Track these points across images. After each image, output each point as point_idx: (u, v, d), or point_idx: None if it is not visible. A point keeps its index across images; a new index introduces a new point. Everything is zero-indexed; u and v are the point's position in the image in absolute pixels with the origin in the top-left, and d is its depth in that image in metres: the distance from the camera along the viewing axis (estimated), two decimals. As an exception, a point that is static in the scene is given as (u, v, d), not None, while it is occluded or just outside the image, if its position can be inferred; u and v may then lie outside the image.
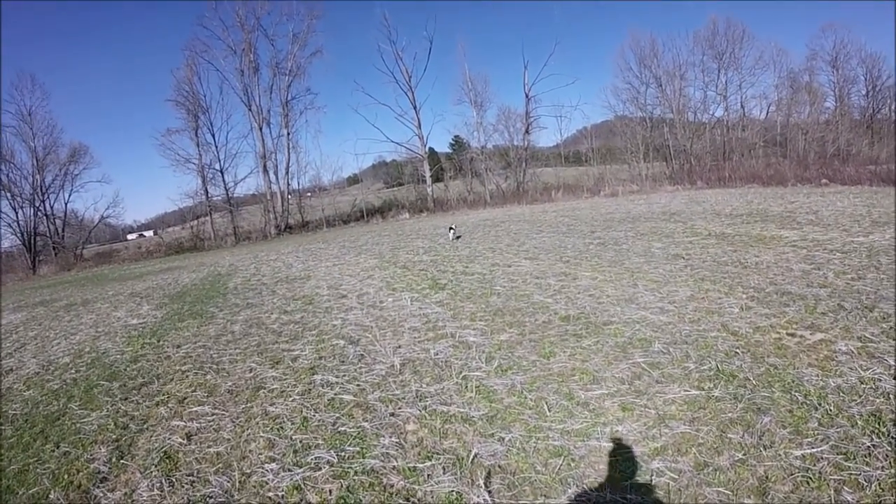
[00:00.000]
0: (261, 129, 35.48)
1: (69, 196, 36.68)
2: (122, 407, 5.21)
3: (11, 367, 7.56)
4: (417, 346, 5.69)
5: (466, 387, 4.47)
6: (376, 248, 16.65)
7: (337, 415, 4.22)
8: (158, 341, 7.71)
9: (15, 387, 6.53)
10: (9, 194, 33.69)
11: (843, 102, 34.19)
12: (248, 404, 4.74)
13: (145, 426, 4.67)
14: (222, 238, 34.91)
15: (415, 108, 37.33)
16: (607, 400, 4.02)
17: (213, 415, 4.64)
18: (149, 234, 55.43)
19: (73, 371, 6.82)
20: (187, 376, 5.82)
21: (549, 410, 3.92)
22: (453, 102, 53.40)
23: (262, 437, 4.03)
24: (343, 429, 3.98)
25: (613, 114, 39.23)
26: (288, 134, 36.29)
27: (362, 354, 5.63)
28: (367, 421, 4.06)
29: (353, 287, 9.73)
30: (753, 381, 4.01)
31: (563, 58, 49.87)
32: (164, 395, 5.38)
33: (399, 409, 4.22)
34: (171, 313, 9.89)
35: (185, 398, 5.18)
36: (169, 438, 4.30)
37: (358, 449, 3.65)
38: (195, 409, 4.85)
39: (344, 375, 5.08)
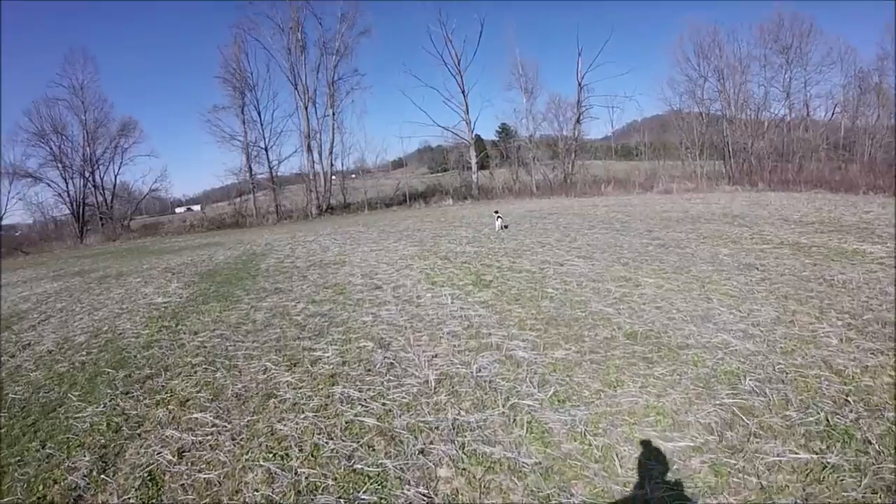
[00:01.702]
0: (306, 108, 35.14)
1: (119, 169, 37.39)
2: (121, 403, 4.61)
3: (29, 342, 7.22)
4: (457, 358, 4.85)
5: (515, 420, 3.62)
6: (417, 234, 15.87)
7: (355, 444, 3.44)
8: (177, 325, 7.15)
9: (25, 365, 6.16)
10: (60, 165, 34.47)
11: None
12: (255, 416, 4.01)
13: (138, 431, 4.03)
14: (264, 216, 34.85)
15: (463, 92, 36.33)
16: (694, 456, 3.12)
17: (213, 426, 3.93)
18: (196, 208, 56.45)
19: (84, 353, 6.34)
20: (196, 372, 5.17)
21: (621, 467, 3.03)
22: (503, 88, 51.78)
23: (262, 466, 3.29)
24: (360, 466, 3.19)
25: (669, 107, 37.17)
26: (333, 114, 35.87)
27: (392, 363, 4.83)
28: (390, 458, 3.26)
29: (389, 277, 8.97)
30: (876, 446, 3.07)
31: (618, 46, 47.79)
32: (167, 392, 4.75)
33: (431, 443, 3.40)
34: (197, 293, 9.37)
35: (187, 400, 4.52)
36: (159, 453, 3.62)
37: (375, 500, 2.85)
38: (196, 415, 4.16)
39: (368, 389, 4.29)
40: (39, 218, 37.69)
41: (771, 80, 32.35)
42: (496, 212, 15.65)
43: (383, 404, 3.99)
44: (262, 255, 14.14)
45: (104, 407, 4.56)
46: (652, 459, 3.09)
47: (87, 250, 27.45)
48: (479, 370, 4.51)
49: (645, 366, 4.43)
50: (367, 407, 3.95)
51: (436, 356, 4.95)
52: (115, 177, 37.40)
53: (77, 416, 4.46)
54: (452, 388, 4.21)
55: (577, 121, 36.39)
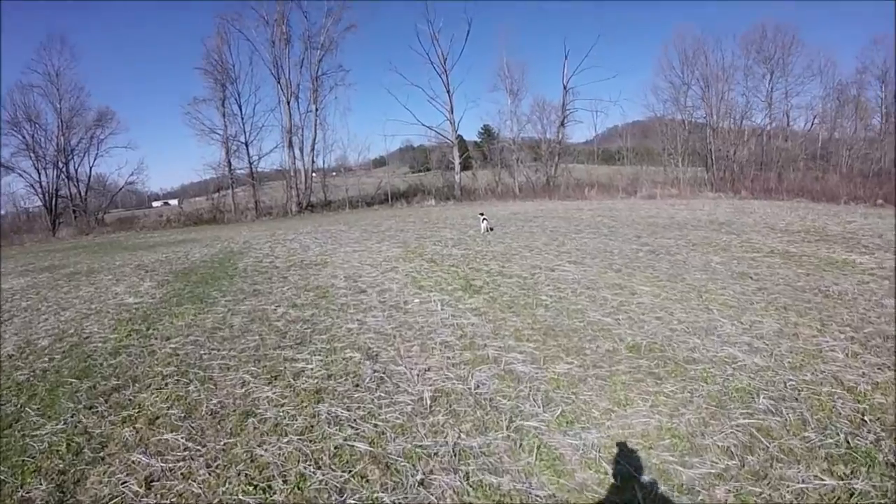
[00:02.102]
0: (289, 103, 34.40)
1: (94, 160, 36.06)
2: (84, 419, 4.18)
3: None
4: (452, 372, 4.53)
5: (522, 445, 3.31)
6: (401, 235, 15.50)
7: (346, 475, 3.08)
8: (148, 329, 6.70)
9: (-20, 372, 5.60)
10: (33, 155, 33.24)
11: (890, 120, 31.72)
12: (232, 439, 3.63)
13: (102, 454, 3.61)
14: (242, 212, 34.03)
15: (448, 91, 35.97)
16: (717, 484, 2.87)
17: (185, 450, 3.54)
18: (173, 202, 55.35)
19: (46, 359, 5.86)
20: (167, 384, 4.75)
21: (644, 500, 2.74)
22: (488, 89, 51.54)
23: (241, 501, 2.91)
24: (353, 501, 2.84)
25: (652, 113, 37.31)
26: (316, 110, 35.16)
27: (382, 377, 4.48)
28: (386, 490, 2.92)
29: (373, 280, 8.61)
30: (900, 470, 2.81)
31: (605, 50, 47.79)
32: (134, 407, 4.33)
33: (431, 473, 3.06)
34: (170, 294, 8.89)
35: (157, 417, 4.11)
36: (124, 482, 3.23)
37: (372, 544, 2.52)
38: (166, 436, 3.76)
39: (358, 408, 3.94)
40: (12, 209, 36.45)
41: (753, 89, 32.78)
42: (481, 214, 15.36)
43: (375, 426, 3.65)
44: (239, 254, 13.63)
45: (65, 424, 4.14)
46: (675, 490, 2.81)
47: (58, 244, 26.50)
48: (478, 386, 4.19)
49: (653, 382, 4.17)
50: (357, 429, 3.60)
51: (429, 369, 4.61)
52: (91, 168, 36.11)
53: (35, 433, 4.03)
54: (450, 406, 3.89)
55: (562, 124, 36.37)
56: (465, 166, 38.45)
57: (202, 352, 5.55)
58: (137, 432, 3.90)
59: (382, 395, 4.13)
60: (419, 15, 46.85)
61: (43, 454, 3.70)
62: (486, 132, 44.87)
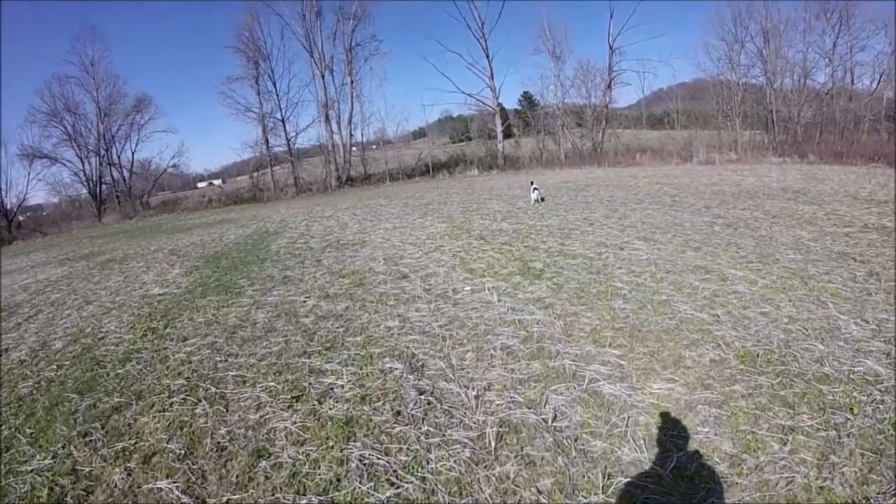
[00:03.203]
0: (323, 76, 33.50)
1: (136, 146, 36.63)
2: (75, 452, 3.48)
3: (7, 347, 6.21)
4: (519, 393, 3.52)
5: (633, 522, 2.28)
6: (444, 208, 14.46)
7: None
8: (165, 327, 5.96)
9: (-13, 382, 5.02)
10: (75, 144, 33.81)
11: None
12: (237, 495, 2.75)
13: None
14: (282, 189, 33.68)
15: (487, 56, 34.29)
16: None
17: (174, 510, 2.67)
18: (218, 182, 55.82)
19: (55, 365, 5.28)
20: (172, 403, 3.94)
21: None
22: (529, 53, 49.24)
23: None
24: None
25: (703, 73, 34.59)
26: (352, 82, 34.14)
27: (429, 401, 3.50)
28: None
29: (416, 263, 7.64)
30: None
31: (651, 6, 44.54)
32: (132, 436, 3.57)
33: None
34: (196, 282, 8.18)
35: (154, 454, 3.31)
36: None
37: None
38: (160, 483, 2.95)
39: (399, 451, 2.99)
40: (59, 198, 37.36)
41: (812, 45, 29.77)
42: (532, 182, 14.12)
43: (423, 480, 2.69)
44: (274, 234, 12.91)
45: (54, 458, 3.42)
46: None
47: (103, 229, 26.83)
48: (556, 416, 3.18)
49: (784, 412, 3.09)
50: (398, 486, 2.65)
51: (489, 388, 3.61)
52: (133, 154, 36.62)
53: (21, 468, 3.35)
54: (521, 449, 2.89)
55: (608, 86, 34.20)
56: (507, 134, 36.94)
57: (218, 358, 4.72)
58: (129, 474, 3.11)
59: (431, 429, 3.16)
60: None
61: (23, 499, 2.96)
62: (527, 99, 43.02)
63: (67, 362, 5.28)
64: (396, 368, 3.99)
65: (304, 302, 6.11)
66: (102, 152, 34.52)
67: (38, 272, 12.62)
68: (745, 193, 12.63)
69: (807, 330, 4.25)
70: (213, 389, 4.08)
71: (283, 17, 33.44)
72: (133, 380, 4.57)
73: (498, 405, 3.36)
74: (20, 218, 34.64)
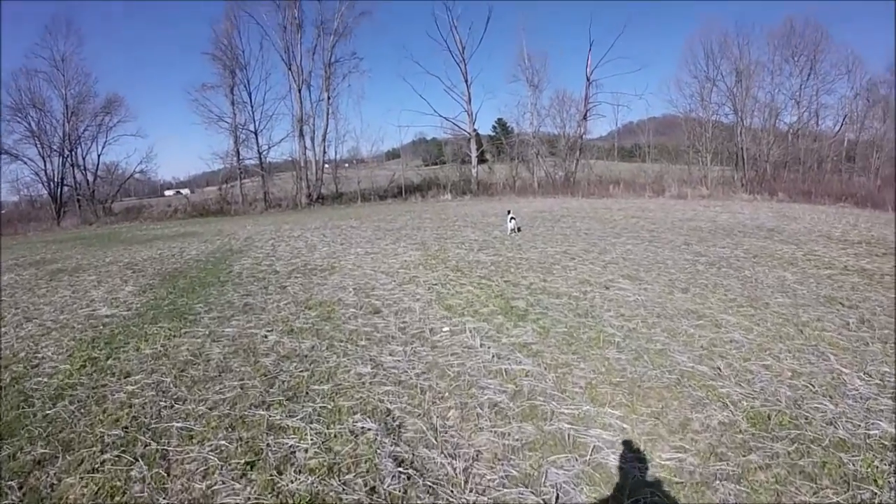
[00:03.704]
0: (300, 90, 32.89)
1: (102, 148, 34.96)
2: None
3: None
4: (513, 464, 3.04)
5: None
6: (418, 234, 13.99)
7: None
8: (108, 358, 5.30)
9: None
10: (38, 142, 32.16)
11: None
12: None
13: None
14: (251, 203, 32.70)
15: (466, 81, 34.37)
16: None
17: None
18: (186, 191, 54.36)
19: (-25, 400, 4.48)
20: (104, 463, 3.33)
21: None
22: (507, 80, 49.55)
23: None
24: None
25: (675, 108, 35.37)
26: (328, 98, 33.61)
27: (409, 474, 2.99)
28: None
29: (389, 295, 7.13)
30: None
31: (629, 42, 45.57)
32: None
33: None
34: (149, 304, 7.50)
35: (67, 534, 2.68)
36: None
37: None
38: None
39: (373, 547, 2.47)
40: (17, 198, 35.54)
41: (779, 86, 30.89)
42: (509, 212, 13.80)
43: None
44: (238, 253, 12.21)
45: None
46: None
47: (61, 234, 25.50)
48: (558, 498, 2.71)
49: (807, 487, 2.77)
50: None
51: (477, 457, 3.13)
52: (98, 156, 34.98)
53: None
54: (521, 548, 2.41)
55: (584, 117, 34.59)
56: (481, 160, 36.90)
57: (163, 403, 4.12)
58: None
59: (412, 516, 2.65)
60: (437, 2, 45.41)
61: None
62: (502, 126, 43.29)
63: (-9, 396, 4.60)
64: (370, 429, 3.46)
65: (266, 337, 5.52)
66: (66, 152, 32.92)
67: (-18, 278, 11.69)
68: (721, 230, 12.59)
69: (813, 386, 3.97)
70: (154, 445, 3.49)
71: (264, 27, 32.87)
72: (63, 424, 3.92)
73: (490, 481, 2.88)
74: (-24, 214, 32.85)
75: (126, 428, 3.78)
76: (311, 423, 3.59)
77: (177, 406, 4.04)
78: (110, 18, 68.40)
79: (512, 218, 13.04)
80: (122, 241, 17.75)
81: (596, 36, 47.65)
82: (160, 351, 5.37)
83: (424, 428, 3.46)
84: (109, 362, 5.18)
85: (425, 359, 4.69)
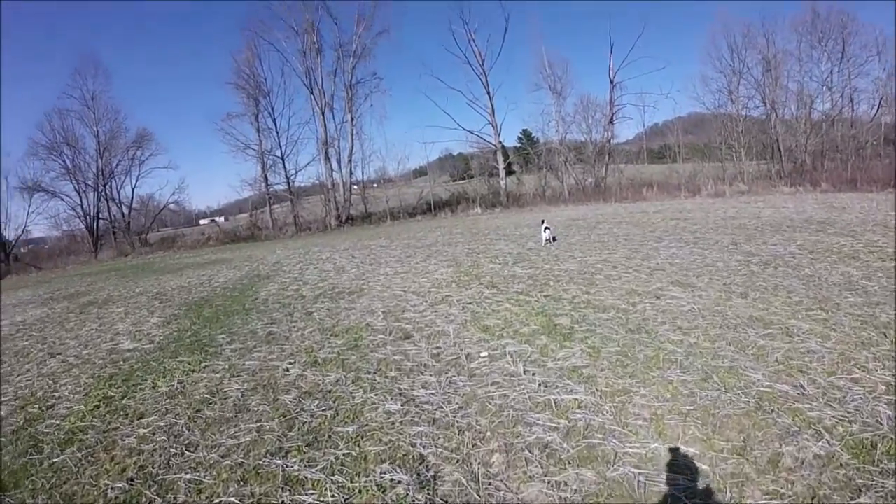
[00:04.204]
0: (323, 114, 33.10)
1: (136, 181, 36.16)
2: None
3: None
4: (575, 528, 2.50)
5: None
6: (449, 250, 13.52)
7: None
8: (123, 397, 4.98)
9: None
10: (74, 179, 33.31)
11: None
12: None
13: None
14: (281, 228, 32.90)
15: (488, 93, 34.01)
16: None
17: None
18: (220, 219, 55.32)
19: (-20, 449, 4.18)
20: (98, 528, 2.90)
21: None
22: (529, 89, 48.90)
23: None
24: None
25: (703, 105, 34.22)
26: (352, 119, 33.72)
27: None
28: None
29: (421, 318, 6.65)
30: None
31: (651, 40, 44.42)
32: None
33: None
34: (172, 336, 7.22)
35: None
36: None
37: None
38: None
39: None
40: (55, 233, 36.69)
41: (809, 73, 29.47)
42: (543, 221, 13.20)
43: None
44: (265, 279, 11.93)
45: None
46: None
47: (97, 266, 26.08)
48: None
49: None
50: None
51: (529, 516, 2.60)
52: (133, 189, 36.07)
53: None
54: None
55: (610, 121, 33.75)
56: (508, 171, 36.39)
57: (174, 450, 3.70)
58: None
59: None
60: (454, 16, 45.51)
61: None
62: (527, 136, 42.78)
63: (3, 439, 4.32)
64: (399, 481, 2.95)
65: (287, 370, 5.08)
66: (101, 187, 34.02)
67: (18, 312, 11.86)
68: (768, 227, 11.78)
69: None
70: (160, 502, 3.06)
71: (284, 54, 33.36)
72: (68, 475, 3.58)
73: (547, 553, 2.34)
74: (21, 250, 33.93)
75: (132, 480, 3.38)
76: (333, 474, 3.11)
77: (188, 453, 3.62)
78: (134, 58, 70.53)
79: (546, 228, 12.45)
80: (154, 271, 17.81)
81: (616, 37, 46.19)
82: (177, 388, 5.00)
83: (464, 479, 2.93)
84: (125, 402, 4.84)
85: (462, 390, 4.17)
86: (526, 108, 76.90)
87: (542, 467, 2.98)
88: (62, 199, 33.66)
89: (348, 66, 33.12)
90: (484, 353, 4.91)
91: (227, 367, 5.45)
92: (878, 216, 12.01)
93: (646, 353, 4.51)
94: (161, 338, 7.26)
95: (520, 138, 44.85)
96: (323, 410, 4.02)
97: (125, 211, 35.52)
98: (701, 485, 2.71)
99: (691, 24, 63.13)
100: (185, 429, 4.06)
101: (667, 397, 3.68)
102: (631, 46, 38.01)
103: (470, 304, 7.05)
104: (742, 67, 30.49)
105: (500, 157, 34.23)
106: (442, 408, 3.86)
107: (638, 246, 10.69)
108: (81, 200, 33.61)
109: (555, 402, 3.74)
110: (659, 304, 6.06)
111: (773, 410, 3.39)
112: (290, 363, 5.28)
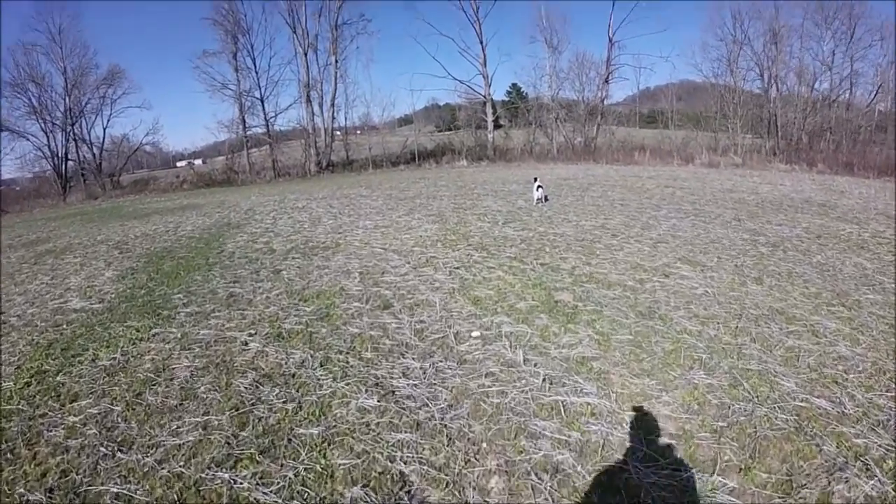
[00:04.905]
0: (306, 54, 31.26)
1: (108, 121, 33.87)
2: None
3: None
4: None
5: None
6: (434, 203, 12.74)
7: None
8: (59, 371, 4.26)
9: None
10: (40, 118, 31.19)
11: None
12: None
13: None
14: (258, 173, 31.51)
15: (481, 42, 32.44)
16: None
17: None
18: (198, 161, 53.37)
19: None
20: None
21: None
22: (525, 41, 46.99)
23: None
24: None
25: (700, 73, 33.28)
26: (336, 62, 31.94)
27: None
28: None
29: (402, 282, 5.99)
30: None
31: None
32: None
33: None
34: (124, 294, 6.46)
35: None
36: None
37: None
38: None
39: None
40: (24, 175, 34.74)
41: (809, 50, 28.81)
42: (535, 179, 12.43)
43: None
44: (235, 228, 11.09)
45: None
46: None
47: (64, 210, 24.69)
48: None
49: None
50: None
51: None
52: (104, 130, 33.92)
53: None
54: None
55: (606, 80, 32.66)
56: (496, 125, 35.28)
57: (104, 450, 3.05)
58: None
59: None
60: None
61: None
62: (516, 90, 41.48)
63: None
64: (373, 511, 2.34)
65: (246, 344, 4.37)
66: (69, 127, 31.91)
67: (-33, 262, 10.83)
68: (768, 204, 11.27)
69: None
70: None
71: (266, -12, 31.18)
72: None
73: None
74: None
75: (51, 491, 2.73)
76: (291, 498, 2.48)
77: (119, 455, 2.97)
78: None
79: (539, 186, 11.71)
80: (121, 216, 16.78)
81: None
82: (119, 362, 4.29)
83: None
84: (59, 378, 4.12)
85: (451, 382, 3.54)
86: (519, 61, 74.69)
87: (552, 498, 2.39)
88: (28, 140, 31.63)
89: (335, 6, 31.18)
90: (476, 333, 4.28)
91: (179, 335, 4.74)
92: (878, 204, 11.57)
93: (663, 347, 3.92)
94: (113, 295, 6.50)
95: (509, 92, 43.67)
96: (283, 402, 3.35)
97: (96, 152, 33.62)
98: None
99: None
100: (120, 419, 3.38)
101: (694, 408, 3.11)
102: (633, 4, 36.31)
103: (458, 268, 6.39)
104: (744, 38, 29.55)
105: (489, 110, 33.04)
106: (427, 405, 3.23)
107: (636, 213, 10.08)
108: (49, 141, 31.55)
109: (563, 406, 3.14)
110: (669, 284, 5.48)
111: (815, 434, 2.85)
112: (251, 335, 4.58)
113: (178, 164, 54.91)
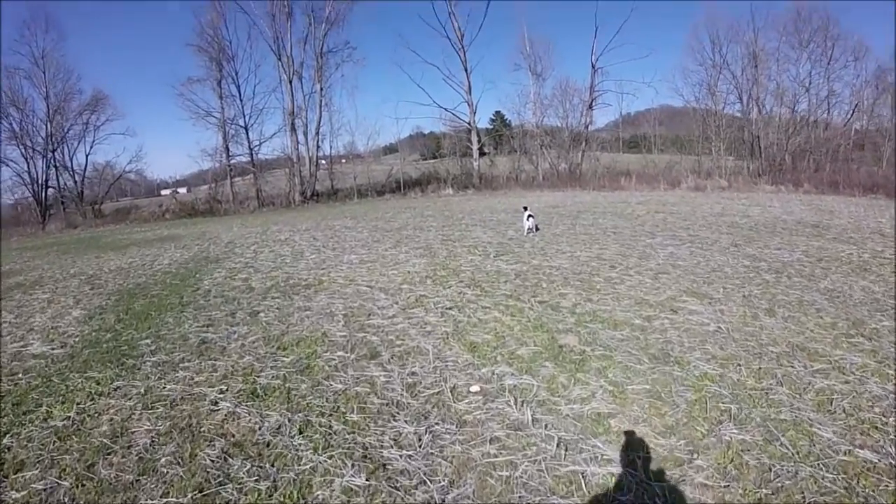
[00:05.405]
0: (290, 82, 31.11)
1: (90, 148, 33.39)
2: None
3: None
4: None
5: None
6: (421, 235, 12.36)
7: None
8: (7, 432, 3.79)
9: None
10: (21, 144, 30.55)
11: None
12: None
13: None
14: (242, 202, 30.97)
15: (466, 70, 32.56)
16: None
17: None
18: (183, 190, 52.79)
19: None
20: None
21: None
22: (508, 69, 47.38)
23: None
24: None
25: (682, 98, 33.75)
26: (321, 89, 31.85)
27: None
28: None
29: (391, 326, 5.54)
30: None
31: (635, 27, 43.37)
32: None
33: None
34: (89, 338, 5.94)
35: None
36: None
37: None
38: None
39: None
40: (12, 200, 33.82)
41: (786, 73, 29.55)
42: (525, 208, 12.10)
43: None
44: (214, 262, 10.57)
45: None
46: None
47: (42, 239, 23.95)
48: None
49: None
50: None
51: None
52: (87, 157, 33.35)
53: None
54: None
55: (590, 106, 32.86)
56: (481, 153, 35.27)
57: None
58: None
59: None
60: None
61: None
62: (500, 118, 41.74)
63: None
64: None
65: (216, 404, 3.87)
66: (50, 153, 31.28)
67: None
68: (762, 227, 11.08)
69: None
70: None
71: (252, 16, 31.17)
72: None
73: None
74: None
75: None
76: None
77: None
78: (90, 15, 65.54)
79: (530, 216, 11.37)
80: (98, 247, 16.19)
81: (601, 20, 44.75)
82: (75, 422, 3.78)
83: None
84: (5, 441, 3.60)
85: (450, 450, 3.08)
86: (503, 88, 75.67)
87: None
88: (7, 165, 30.86)
89: (320, 33, 31.22)
90: (475, 388, 3.84)
91: (142, 390, 4.23)
92: (870, 223, 11.46)
93: (685, 397, 3.52)
94: (77, 339, 5.97)
95: (492, 120, 44.02)
96: (255, 481, 2.86)
97: (77, 179, 32.92)
98: None
99: (676, 12, 62.30)
100: (67, 498, 2.88)
101: (732, 473, 2.70)
102: (616, 30, 36.84)
103: (450, 308, 5.96)
104: (722, 62, 30.12)
105: (474, 137, 33.00)
106: (425, 483, 2.76)
107: (630, 241, 9.77)
108: (29, 167, 30.86)
109: (584, 480, 2.70)
110: (678, 321, 5.10)
111: (868, 495, 2.46)
112: (221, 391, 4.08)
113: (163, 192, 54.34)
